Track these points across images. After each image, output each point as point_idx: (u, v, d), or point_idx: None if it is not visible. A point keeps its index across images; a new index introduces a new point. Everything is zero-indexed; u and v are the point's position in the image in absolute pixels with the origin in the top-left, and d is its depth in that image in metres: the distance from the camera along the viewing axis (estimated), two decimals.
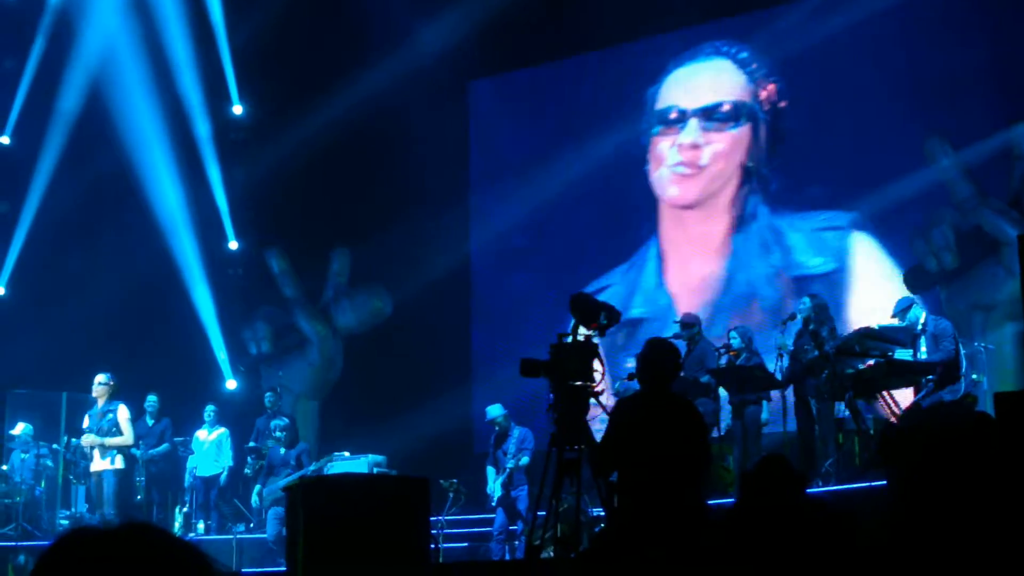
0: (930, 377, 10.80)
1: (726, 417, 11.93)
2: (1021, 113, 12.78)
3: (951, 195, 12.90)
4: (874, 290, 13.27)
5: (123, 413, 12.81)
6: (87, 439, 12.81)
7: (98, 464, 12.77)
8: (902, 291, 12.42)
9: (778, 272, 14.38)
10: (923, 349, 10.96)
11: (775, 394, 11.69)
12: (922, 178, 13.09)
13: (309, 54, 16.28)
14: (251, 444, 13.85)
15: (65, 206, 15.81)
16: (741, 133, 14.74)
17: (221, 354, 16.49)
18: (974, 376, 11.17)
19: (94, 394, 12.91)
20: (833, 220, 14.01)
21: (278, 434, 13.27)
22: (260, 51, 16.37)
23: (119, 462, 12.74)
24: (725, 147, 14.80)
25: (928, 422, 8.61)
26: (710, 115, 14.90)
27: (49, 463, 14.29)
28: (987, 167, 12.73)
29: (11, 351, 15.37)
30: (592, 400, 7.25)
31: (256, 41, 16.26)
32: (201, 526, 14.01)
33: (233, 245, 17.05)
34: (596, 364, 7.17)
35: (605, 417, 7.02)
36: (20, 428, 14.32)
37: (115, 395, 12.91)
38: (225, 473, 14.33)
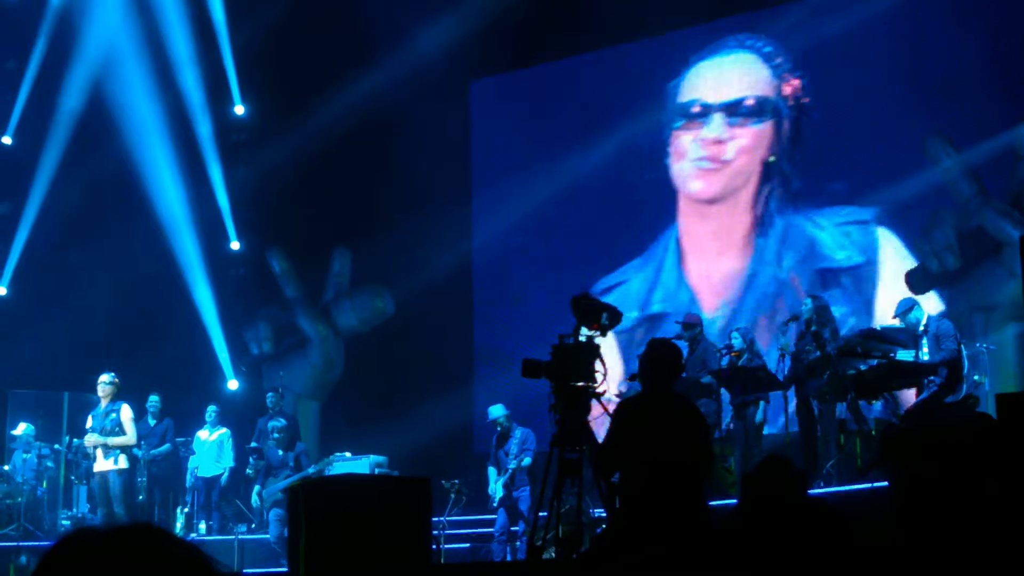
0: (932, 378, 10.80)
1: (728, 418, 11.94)
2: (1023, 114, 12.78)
3: (953, 196, 12.89)
4: (903, 284, 13.17)
5: (126, 413, 12.80)
6: (90, 439, 12.81)
7: (102, 464, 12.77)
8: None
9: (803, 266, 14.30)
10: (925, 350, 10.96)
11: (776, 395, 11.69)
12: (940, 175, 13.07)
13: (311, 54, 16.29)
14: (253, 444, 13.85)
15: (67, 206, 15.83)
16: (765, 128, 14.68)
17: (223, 354, 16.49)
18: (975, 377, 11.16)
19: (99, 394, 12.91)
20: (857, 215, 13.94)
21: (276, 435, 13.27)
22: (262, 51, 16.39)
23: (123, 462, 12.73)
24: (749, 142, 14.73)
25: (930, 423, 8.62)
26: (735, 110, 14.83)
27: (50, 463, 14.29)
28: (989, 167, 12.72)
29: (13, 351, 15.39)
30: (593, 401, 7.25)
31: (258, 41, 16.27)
32: (203, 526, 14.01)
33: (235, 245, 17.06)
34: (598, 365, 7.17)
35: (607, 417, 7.02)
36: (22, 428, 14.33)
37: (119, 395, 12.92)
38: (226, 474, 14.33)
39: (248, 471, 13.94)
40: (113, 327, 15.84)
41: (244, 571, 12.01)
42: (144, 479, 13.58)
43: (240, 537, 13.47)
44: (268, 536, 12.99)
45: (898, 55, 13.97)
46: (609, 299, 14.92)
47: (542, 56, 16.75)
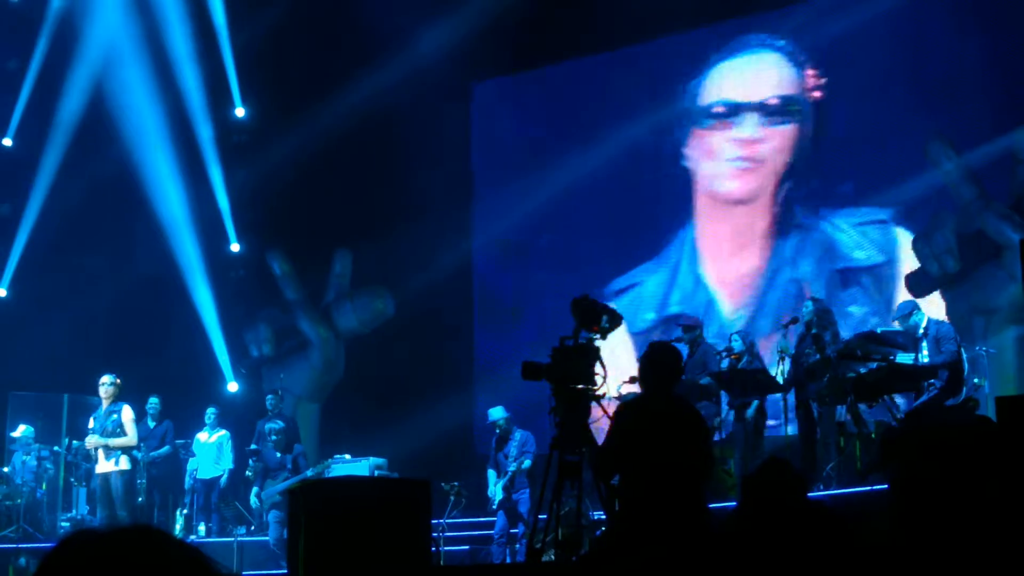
0: (932, 381, 10.80)
1: (728, 420, 11.94)
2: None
3: (954, 199, 12.89)
4: None
5: (127, 414, 12.80)
6: (91, 440, 12.80)
7: (103, 466, 12.76)
8: None
9: (821, 267, 14.24)
10: (925, 353, 10.96)
11: (775, 397, 11.69)
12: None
13: (311, 56, 16.29)
14: (252, 447, 13.86)
15: (67, 208, 15.82)
16: (792, 128, 14.63)
17: (223, 356, 16.49)
18: (975, 380, 11.17)
19: (100, 395, 12.91)
20: (874, 215, 13.89)
21: (273, 437, 13.29)
22: (262, 53, 16.39)
23: (124, 463, 12.71)
24: (780, 142, 14.65)
25: (929, 426, 8.61)
26: (768, 109, 14.71)
27: (50, 465, 14.28)
28: (990, 171, 12.72)
29: (13, 353, 15.38)
30: (593, 403, 7.24)
31: (259, 43, 16.28)
32: (202, 528, 14.01)
33: (235, 247, 17.05)
34: (598, 367, 7.16)
35: (607, 420, 7.02)
36: (21, 430, 14.33)
37: (120, 396, 12.91)
38: (225, 476, 14.33)
39: (247, 473, 13.94)
40: (113, 329, 15.83)
41: (243, 573, 12.00)
42: (143, 481, 13.58)
43: (239, 539, 13.47)
44: (267, 538, 12.99)
45: (898, 57, 13.97)
46: (623, 301, 14.96)
47: (543, 59, 16.75)
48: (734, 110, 14.99)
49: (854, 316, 13.64)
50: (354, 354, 16.49)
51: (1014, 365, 12.14)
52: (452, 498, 12.83)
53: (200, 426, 14.48)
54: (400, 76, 15.71)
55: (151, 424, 13.98)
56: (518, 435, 12.29)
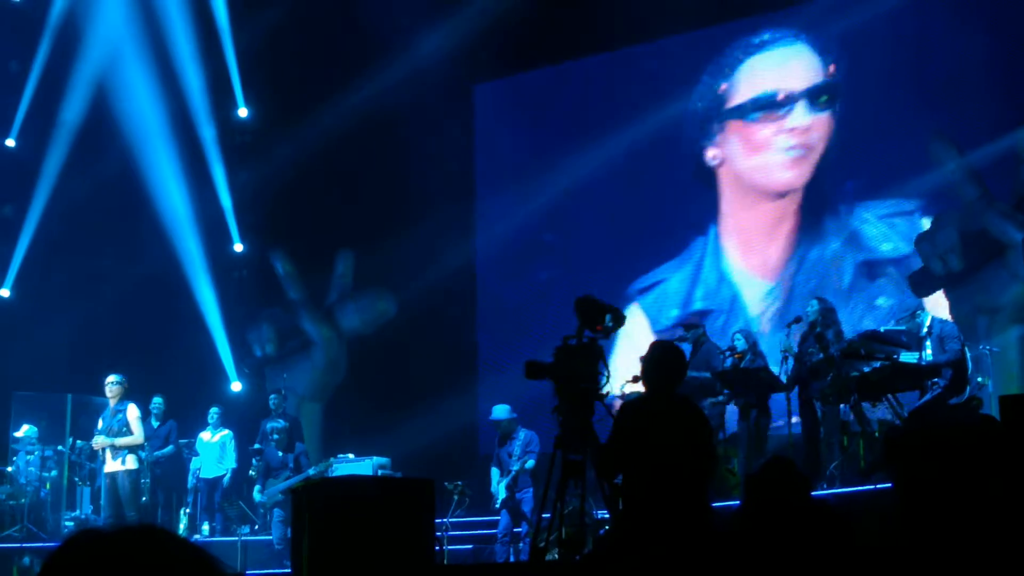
0: (936, 380, 10.80)
1: (731, 420, 11.93)
2: None
3: (957, 197, 12.88)
4: None
5: (132, 412, 12.80)
6: (98, 442, 12.81)
7: (111, 465, 12.77)
8: None
9: (847, 259, 14.12)
10: (928, 352, 10.96)
11: (779, 396, 11.69)
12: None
13: (314, 57, 16.30)
14: (256, 446, 13.87)
15: (70, 208, 15.83)
16: (828, 116, 14.48)
17: (226, 356, 16.50)
18: (979, 379, 11.16)
19: (106, 395, 12.93)
20: (901, 206, 13.71)
21: (275, 436, 13.31)
22: (265, 54, 16.40)
23: (131, 463, 12.71)
24: (823, 130, 14.46)
25: (933, 425, 8.61)
26: (812, 97, 14.55)
27: (53, 465, 14.30)
28: (993, 170, 12.71)
29: (16, 353, 15.40)
30: (597, 402, 7.24)
31: (261, 44, 16.29)
32: (206, 528, 14.03)
33: (238, 247, 17.07)
34: (601, 367, 7.16)
35: (610, 420, 7.02)
36: (24, 430, 14.34)
37: (126, 396, 12.93)
38: (228, 475, 14.35)
39: (251, 472, 13.96)
40: (116, 329, 15.85)
41: (247, 572, 12.00)
42: (148, 480, 13.59)
43: (243, 538, 13.49)
44: (271, 537, 13.00)
45: (901, 56, 13.96)
46: (648, 299, 14.91)
47: (544, 60, 16.75)
48: (783, 100, 14.81)
49: (882, 309, 13.48)
50: (357, 354, 16.51)
51: (1018, 364, 12.13)
52: (456, 497, 12.83)
53: (203, 426, 14.49)
54: (402, 77, 15.72)
55: (155, 424, 13.99)
56: (522, 434, 12.28)
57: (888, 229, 13.77)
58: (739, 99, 15.10)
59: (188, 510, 14.19)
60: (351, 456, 13.36)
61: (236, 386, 16.55)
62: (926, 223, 13.43)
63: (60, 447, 14.44)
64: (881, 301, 12.99)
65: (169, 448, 14.12)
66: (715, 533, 6.20)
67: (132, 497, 12.71)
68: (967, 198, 12.71)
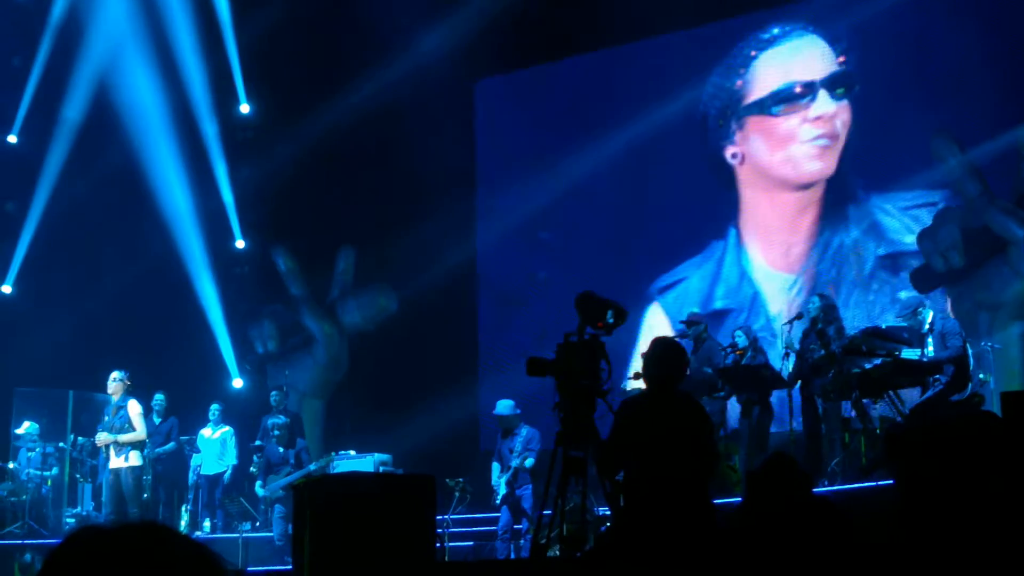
0: (937, 376, 10.79)
1: (732, 416, 11.94)
2: None
3: (959, 194, 12.86)
4: None
5: (134, 408, 12.81)
6: (101, 438, 12.81)
7: (115, 462, 12.78)
8: None
9: (869, 251, 14.02)
10: (930, 348, 10.95)
11: (780, 393, 11.69)
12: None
13: (316, 53, 16.30)
14: (257, 443, 13.88)
15: (72, 205, 15.84)
16: (847, 104, 14.35)
17: (227, 353, 16.50)
18: (980, 376, 11.16)
19: (109, 391, 12.94)
20: (925, 197, 13.53)
21: (276, 432, 13.32)
22: (267, 50, 16.39)
23: (134, 459, 12.72)
24: (846, 117, 14.31)
25: (934, 422, 8.61)
26: (831, 85, 14.40)
27: (54, 461, 14.31)
28: (994, 167, 12.69)
29: (18, 349, 15.41)
30: (598, 399, 7.24)
31: (264, 40, 16.27)
32: (207, 524, 14.04)
33: (240, 244, 17.07)
34: (602, 363, 7.16)
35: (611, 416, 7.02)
36: (25, 426, 14.35)
37: (128, 392, 12.94)
38: (229, 471, 14.36)
39: (252, 469, 13.97)
40: (118, 326, 15.86)
41: (249, 569, 12.01)
42: (149, 477, 13.61)
43: (245, 535, 13.50)
44: (272, 533, 13.01)
45: (902, 52, 13.94)
46: (668, 298, 14.87)
47: (546, 55, 16.74)
48: (805, 91, 14.65)
49: (904, 302, 13.40)
50: (358, 350, 16.51)
51: (1019, 361, 12.13)
52: (457, 494, 12.83)
53: (204, 422, 14.50)
54: (403, 73, 15.71)
55: (156, 420, 14.01)
56: (524, 431, 12.26)
57: (912, 221, 13.59)
58: (757, 94, 15.03)
59: (189, 507, 14.21)
60: (352, 453, 13.37)
61: (237, 383, 16.56)
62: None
63: (61, 444, 14.45)
64: (904, 295, 12.90)
65: (171, 445, 14.13)
66: (716, 530, 6.21)
67: (135, 494, 12.72)
68: (968, 195, 12.70)
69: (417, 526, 7.36)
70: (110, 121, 15.53)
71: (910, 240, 13.48)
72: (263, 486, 13.28)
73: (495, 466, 12.48)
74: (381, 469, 12.88)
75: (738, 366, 11.70)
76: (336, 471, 12.79)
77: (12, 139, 16.41)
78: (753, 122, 15.03)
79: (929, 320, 11.08)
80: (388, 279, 16.32)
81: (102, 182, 15.65)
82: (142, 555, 1.70)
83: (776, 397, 11.78)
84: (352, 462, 13.09)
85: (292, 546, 8.11)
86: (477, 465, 14.01)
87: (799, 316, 11.88)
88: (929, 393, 10.81)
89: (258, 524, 13.81)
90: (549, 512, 7.29)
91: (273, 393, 14.37)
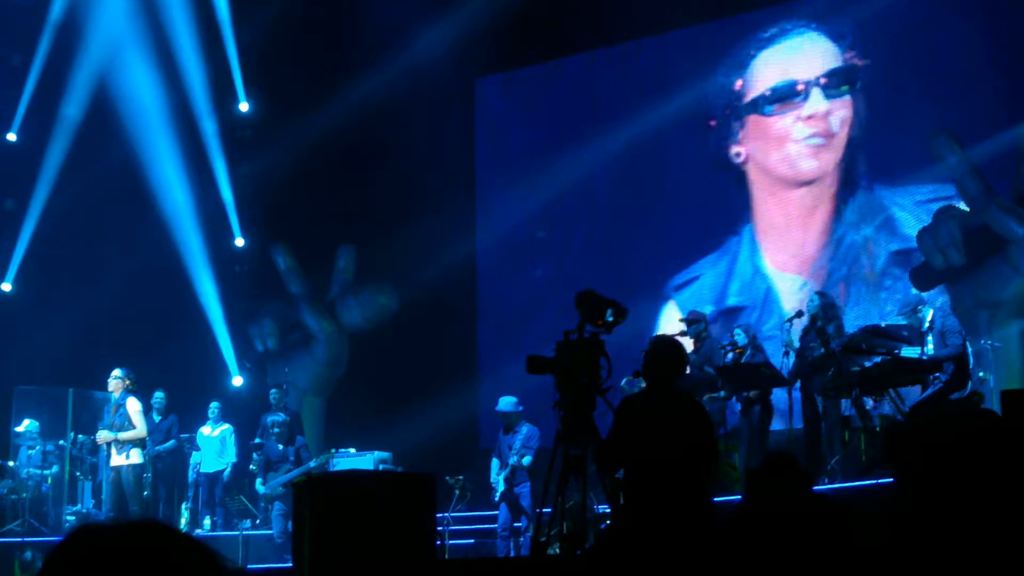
0: (937, 374, 10.80)
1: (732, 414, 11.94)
2: None
3: (959, 192, 12.85)
4: None
5: (133, 405, 12.79)
6: (102, 436, 12.79)
7: (116, 460, 12.76)
8: None
9: (883, 247, 13.96)
10: (930, 346, 10.95)
11: (780, 391, 11.69)
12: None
13: (315, 52, 16.30)
14: (257, 440, 13.89)
15: (72, 203, 15.83)
16: (849, 100, 14.33)
17: (227, 351, 16.50)
18: (980, 374, 11.16)
19: (109, 389, 12.93)
20: (940, 191, 13.45)
21: (275, 430, 13.33)
22: (267, 48, 16.39)
23: (135, 456, 12.70)
24: (845, 113, 14.28)
25: (934, 420, 8.62)
26: (827, 83, 14.38)
27: (54, 459, 14.31)
28: (994, 165, 12.68)
29: (18, 347, 15.41)
30: (598, 397, 7.25)
31: (263, 38, 16.27)
32: (207, 522, 14.05)
33: (239, 242, 17.06)
34: (602, 361, 7.16)
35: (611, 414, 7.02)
36: (25, 424, 14.35)
37: (128, 390, 12.92)
38: (228, 469, 14.36)
39: (252, 467, 13.98)
40: (118, 324, 15.86)
41: (249, 566, 12.02)
42: (150, 475, 13.62)
43: (244, 532, 13.50)
44: (272, 531, 13.01)
45: (904, 50, 13.93)
46: (684, 296, 14.85)
47: (546, 54, 16.73)
48: (797, 90, 14.59)
49: (903, 300, 13.33)
50: (358, 348, 16.50)
51: (1019, 359, 12.12)
52: (457, 492, 12.84)
53: (204, 420, 14.51)
54: (403, 71, 15.70)
55: (156, 418, 14.00)
56: (524, 428, 12.26)
57: (927, 216, 13.49)
58: (754, 93, 15.04)
59: (189, 504, 14.21)
60: (352, 450, 13.37)
61: (237, 380, 16.55)
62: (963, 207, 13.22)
63: (61, 442, 14.45)
64: (915, 291, 12.84)
65: (170, 443, 14.12)
66: (716, 528, 6.21)
67: (136, 491, 12.72)
68: (968, 193, 12.69)
69: (417, 524, 7.37)
70: (110, 119, 15.52)
71: None
72: (263, 484, 13.29)
73: (494, 462, 12.49)
74: (381, 467, 12.89)
75: (737, 364, 11.70)
76: (336, 469, 12.80)
77: (12, 137, 16.39)
78: (752, 121, 15.07)
79: (929, 318, 11.08)
80: (388, 277, 16.31)
81: (101, 180, 15.64)
82: (143, 553, 1.71)
83: (776, 396, 11.77)
84: (352, 460, 13.09)
85: (292, 544, 8.12)
86: (477, 463, 14.01)
87: (799, 314, 11.88)
88: (929, 391, 10.81)
89: (258, 522, 13.81)
90: (549, 510, 7.30)
91: (273, 391, 14.37)
